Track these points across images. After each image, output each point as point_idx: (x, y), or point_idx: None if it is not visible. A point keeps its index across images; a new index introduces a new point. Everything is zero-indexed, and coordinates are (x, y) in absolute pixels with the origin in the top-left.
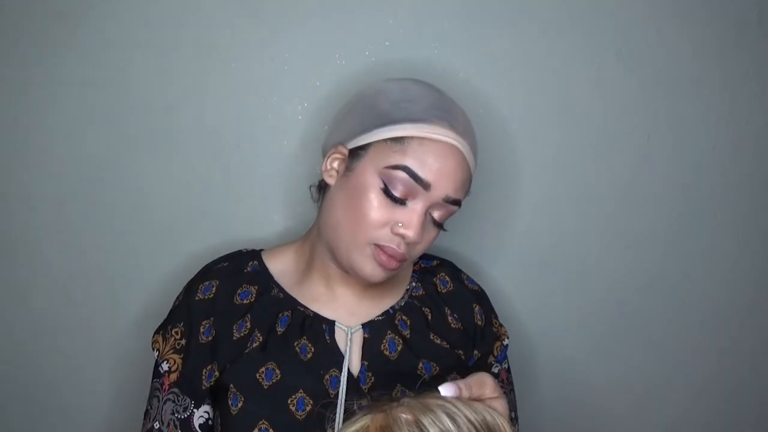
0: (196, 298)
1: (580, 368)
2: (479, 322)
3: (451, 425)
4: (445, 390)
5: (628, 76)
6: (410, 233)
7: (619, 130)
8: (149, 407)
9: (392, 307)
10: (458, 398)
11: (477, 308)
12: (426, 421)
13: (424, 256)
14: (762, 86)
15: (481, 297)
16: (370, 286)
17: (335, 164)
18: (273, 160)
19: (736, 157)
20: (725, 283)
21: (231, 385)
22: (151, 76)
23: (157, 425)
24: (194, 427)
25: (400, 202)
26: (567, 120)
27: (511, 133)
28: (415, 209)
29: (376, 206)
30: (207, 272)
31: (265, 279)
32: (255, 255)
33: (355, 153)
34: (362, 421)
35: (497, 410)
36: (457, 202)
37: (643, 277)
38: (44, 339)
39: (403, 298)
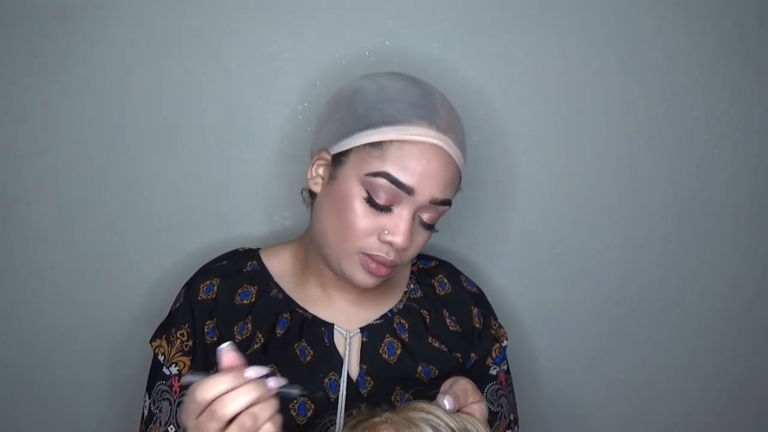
0: (199, 298)
1: (581, 368)
2: (477, 325)
3: None
4: (449, 403)
5: (628, 76)
6: (398, 240)
7: (619, 131)
8: (157, 410)
9: (390, 311)
10: (445, 409)
11: (475, 311)
12: None
13: (422, 257)
14: (762, 86)
15: (479, 299)
16: (366, 290)
17: (320, 170)
18: (273, 160)
19: (736, 157)
20: (725, 283)
21: None
22: (151, 76)
23: (172, 429)
24: None
25: (385, 209)
26: (567, 120)
27: (512, 134)
28: (401, 215)
29: (360, 215)
30: (207, 271)
31: (264, 279)
32: (253, 254)
33: (338, 159)
34: None
35: (475, 415)
36: (446, 202)
37: (643, 278)
38: (43, 337)
39: (401, 300)
